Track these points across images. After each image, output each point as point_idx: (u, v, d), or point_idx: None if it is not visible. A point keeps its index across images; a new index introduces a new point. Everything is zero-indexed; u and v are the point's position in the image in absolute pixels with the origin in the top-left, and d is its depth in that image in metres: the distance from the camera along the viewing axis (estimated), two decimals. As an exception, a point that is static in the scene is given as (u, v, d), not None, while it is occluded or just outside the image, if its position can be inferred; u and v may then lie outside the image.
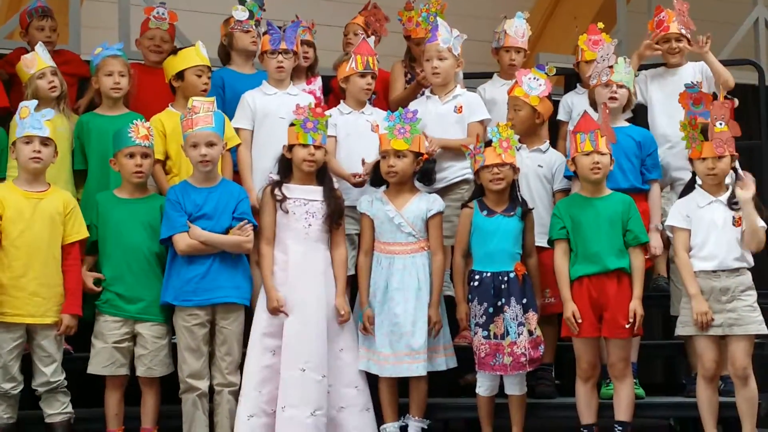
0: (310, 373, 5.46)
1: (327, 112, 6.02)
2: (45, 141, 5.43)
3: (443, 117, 6.13)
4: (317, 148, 5.64)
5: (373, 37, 6.50)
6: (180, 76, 6.04)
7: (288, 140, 5.68)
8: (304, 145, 5.62)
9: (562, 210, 5.62)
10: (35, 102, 5.52)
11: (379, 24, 6.96)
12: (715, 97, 5.69)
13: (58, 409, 5.41)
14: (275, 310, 5.54)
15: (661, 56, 6.65)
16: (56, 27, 6.80)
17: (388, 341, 5.59)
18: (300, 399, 5.43)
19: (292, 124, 5.67)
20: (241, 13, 6.37)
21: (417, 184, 5.81)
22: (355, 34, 6.70)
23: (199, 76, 6.03)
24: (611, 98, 5.91)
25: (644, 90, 6.56)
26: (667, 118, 6.31)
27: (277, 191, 5.65)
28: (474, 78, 7.06)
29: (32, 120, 5.41)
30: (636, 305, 5.45)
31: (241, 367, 5.57)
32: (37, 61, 5.99)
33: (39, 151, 5.41)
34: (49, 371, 5.37)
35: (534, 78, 6.00)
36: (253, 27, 6.39)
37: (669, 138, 6.27)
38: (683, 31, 6.52)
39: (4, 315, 5.30)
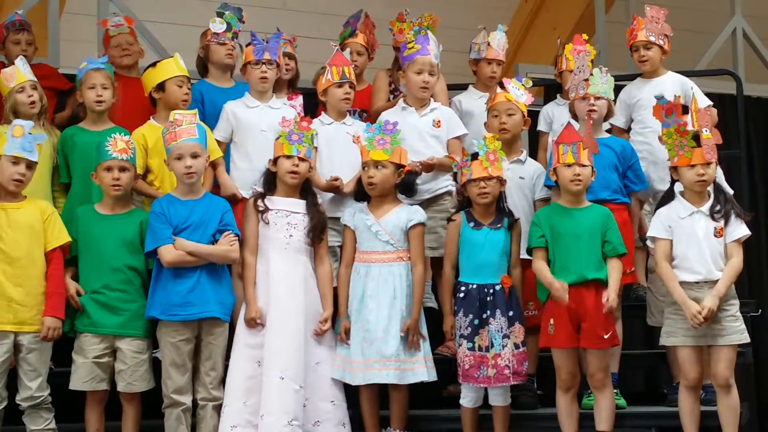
0: (289, 381, 5.46)
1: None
2: (30, 164, 5.44)
3: (421, 130, 6.14)
4: (301, 160, 5.67)
5: (348, 50, 6.48)
6: (160, 87, 6.05)
7: (274, 153, 5.70)
8: (288, 157, 5.65)
9: (542, 219, 5.62)
10: (31, 123, 5.51)
11: (372, 36, 6.94)
12: (685, 109, 5.68)
13: (41, 426, 5.37)
14: (252, 321, 5.56)
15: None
16: (33, 41, 6.78)
17: (361, 348, 5.60)
18: (278, 407, 5.43)
19: (278, 137, 5.69)
20: (218, 26, 6.37)
21: (401, 196, 5.81)
22: (359, 54, 6.68)
23: (180, 87, 6.04)
24: (590, 111, 5.92)
25: (627, 112, 6.56)
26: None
27: (259, 202, 5.68)
28: (450, 89, 7.05)
29: (24, 142, 5.41)
30: (611, 294, 5.40)
31: (222, 379, 5.57)
32: (17, 75, 5.96)
33: (23, 174, 5.43)
34: (34, 386, 5.35)
35: (515, 87, 6.02)
36: (230, 40, 6.39)
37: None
38: (652, 39, 6.50)
39: None
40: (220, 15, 6.42)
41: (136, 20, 7.24)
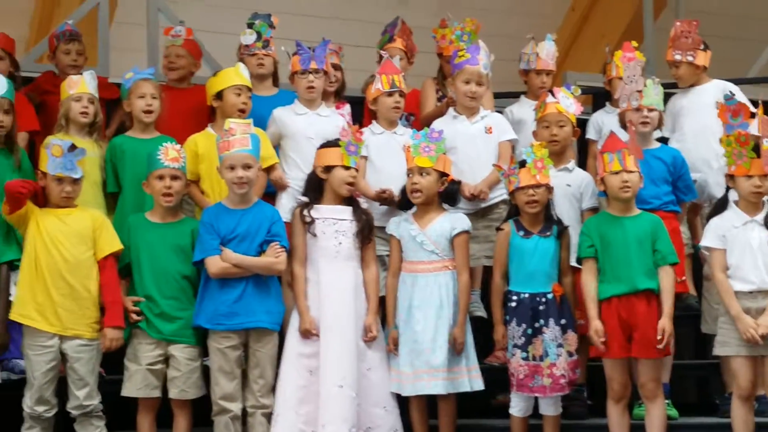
0: (347, 390, 5.47)
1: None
2: (75, 180, 5.48)
3: (474, 138, 6.15)
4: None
5: (397, 57, 6.49)
6: (219, 96, 6.07)
7: (326, 161, 5.69)
8: (346, 168, 5.65)
9: (591, 228, 5.59)
10: (69, 142, 5.50)
11: (410, 41, 6.96)
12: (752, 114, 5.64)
13: (92, 433, 5.43)
14: (307, 332, 5.56)
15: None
16: (83, 51, 6.82)
17: (409, 360, 5.59)
18: (339, 416, 5.44)
19: (326, 145, 5.70)
20: (248, 38, 6.42)
21: (446, 205, 5.79)
22: (400, 58, 6.69)
23: (238, 95, 6.05)
24: (643, 123, 5.91)
25: (672, 122, 6.52)
26: (703, 140, 6.30)
27: (305, 213, 5.67)
28: (499, 98, 7.05)
29: (65, 160, 5.43)
30: (665, 323, 5.41)
31: (273, 388, 5.57)
32: (80, 84, 6.00)
33: (70, 191, 5.47)
34: (82, 395, 5.37)
35: (565, 97, 6.01)
36: (261, 49, 6.41)
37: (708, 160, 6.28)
38: (678, 57, 6.46)
39: (34, 320, 5.35)
40: (250, 26, 6.45)
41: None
